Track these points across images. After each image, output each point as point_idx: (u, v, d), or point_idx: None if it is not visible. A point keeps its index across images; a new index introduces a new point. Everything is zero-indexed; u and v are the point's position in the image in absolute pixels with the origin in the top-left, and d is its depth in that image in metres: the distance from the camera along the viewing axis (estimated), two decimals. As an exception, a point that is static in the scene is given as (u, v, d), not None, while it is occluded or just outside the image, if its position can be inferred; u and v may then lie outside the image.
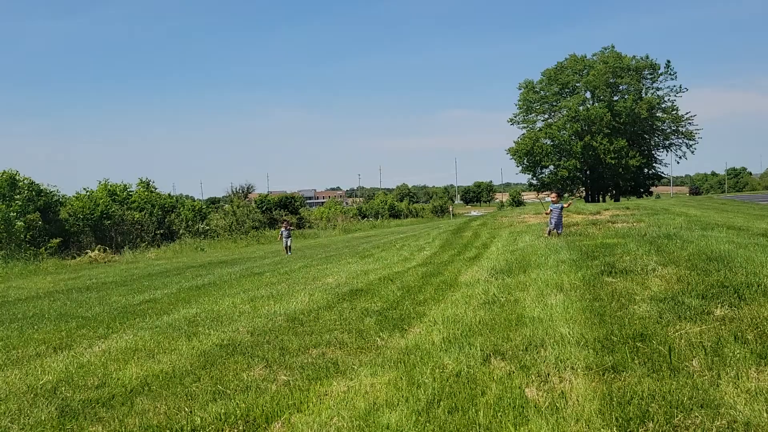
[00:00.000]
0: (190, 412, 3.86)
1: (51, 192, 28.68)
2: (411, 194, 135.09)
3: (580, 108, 58.23)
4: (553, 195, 13.80)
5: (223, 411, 3.80)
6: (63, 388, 4.68)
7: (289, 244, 21.42)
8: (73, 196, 30.96)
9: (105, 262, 25.41)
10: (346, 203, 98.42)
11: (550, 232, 12.85)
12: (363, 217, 61.81)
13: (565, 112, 59.51)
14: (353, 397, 3.98)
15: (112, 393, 4.45)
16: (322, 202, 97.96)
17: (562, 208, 13.05)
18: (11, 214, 25.03)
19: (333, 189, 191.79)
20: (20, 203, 26.03)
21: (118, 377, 4.91)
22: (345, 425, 3.44)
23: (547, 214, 13.55)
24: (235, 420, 3.66)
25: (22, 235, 25.21)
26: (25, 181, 27.36)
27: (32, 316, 9.14)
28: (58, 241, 26.50)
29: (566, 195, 58.18)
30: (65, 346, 6.48)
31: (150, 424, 3.66)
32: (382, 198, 75.64)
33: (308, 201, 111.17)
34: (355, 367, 4.78)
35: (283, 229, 21.88)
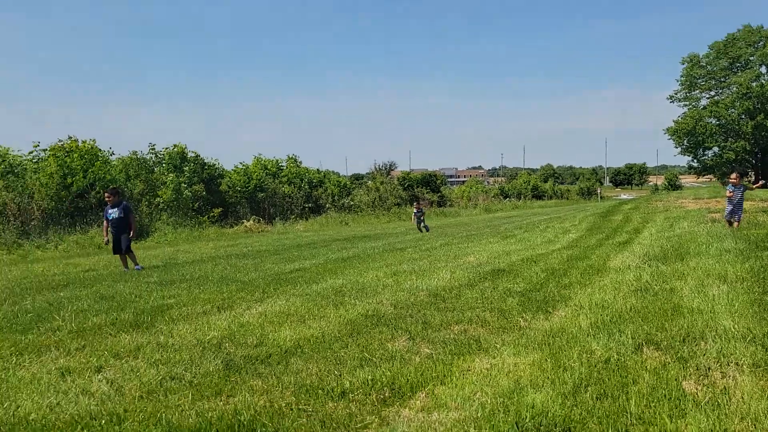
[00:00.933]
0: (339, 375, 4.07)
1: (213, 165, 31.11)
2: (556, 175, 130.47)
3: (753, 84, 52.71)
4: (734, 176, 11.67)
5: (370, 377, 3.96)
6: (227, 344, 5.10)
7: (420, 222, 21.79)
8: (232, 170, 33.34)
9: (258, 232, 27.20)
10: (488, 183, 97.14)
11: (729, 220, 11.30)
12: (505, 197, 60.74)
13: (734, 88, 54.13)
14: (496, 374, 3.98)
15: (268, 352, 4.79)
16: (463, 181, 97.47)
17: (744, 190, 11.38)
18: (182, 184, 27.50)
19: (474, 168, 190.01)
20: (188, 175, 28.51)
21: (273, 338, 5.27)
22: (488, 401, 3.46)
23: (728, 196, 11.63)
24: (381, 386, 3.80)
25: (189, 204, 27.64)
26: (192, 154, 29.90)
27: (198, 278, 10.01)
28: (219, 210, 28.73)
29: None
30: (227, 306, 7.04)
31: (304, 383, 3.90)
32: (526, 178, 73.66)
33: (449, 179, 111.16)
34: (498, 346, 4.76)
35: (415, 209, 22.38)
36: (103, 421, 3.34)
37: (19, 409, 3.63)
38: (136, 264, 12.17)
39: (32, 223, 21.97)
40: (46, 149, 26.05)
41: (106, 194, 12.49)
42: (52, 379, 4.27)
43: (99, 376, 4.31)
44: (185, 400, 3.64)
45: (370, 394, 3.68)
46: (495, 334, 5.19)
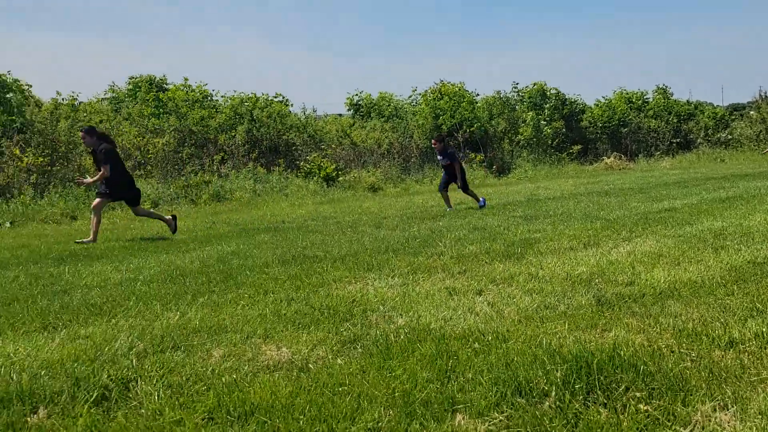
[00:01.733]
0: (726, 323, 3.76)
1: (574, 101, 30.62)
2: None
3: None
4: None
5: (764, 329, 3.57)
6: (596, 280, 5.13)
7: None
8: (593, 105, 32.31)
9: (619, 170, 26.09)
10: None
11: None
12: None
13: None
14: None
15: (641, 292, 4.67)
16: None
17: None
18: (541, 121, 27.86)
19: None
20: (548, 112, 28.68)
21: (645, 279, 5.10)
22: None
23: None
24: (781, 342, 3.40)
25: (549, 141, 27.88)
26: (552, 91, 29.88)
27: (560, 214, 10.15)
28: (578, 147, 28.33)
29: None
30: (593, 243, 7.03)
31: (684, 327, 3.72)
32: None
33: None
34: None
35: None
36: (490, 338, 3.73)
37: (420, 319, 4.28)
38: (478, 201, 12.64)
39: (412, 160, 24.89)
40: (422, 93, 29.01)
41: (432, 140, 13.23)
42: (442, 297, 4.90)
43: (480, 299, 4.79)
44: (562, 329, 3.82)
45: (765, 348, 3.34)
46: None
